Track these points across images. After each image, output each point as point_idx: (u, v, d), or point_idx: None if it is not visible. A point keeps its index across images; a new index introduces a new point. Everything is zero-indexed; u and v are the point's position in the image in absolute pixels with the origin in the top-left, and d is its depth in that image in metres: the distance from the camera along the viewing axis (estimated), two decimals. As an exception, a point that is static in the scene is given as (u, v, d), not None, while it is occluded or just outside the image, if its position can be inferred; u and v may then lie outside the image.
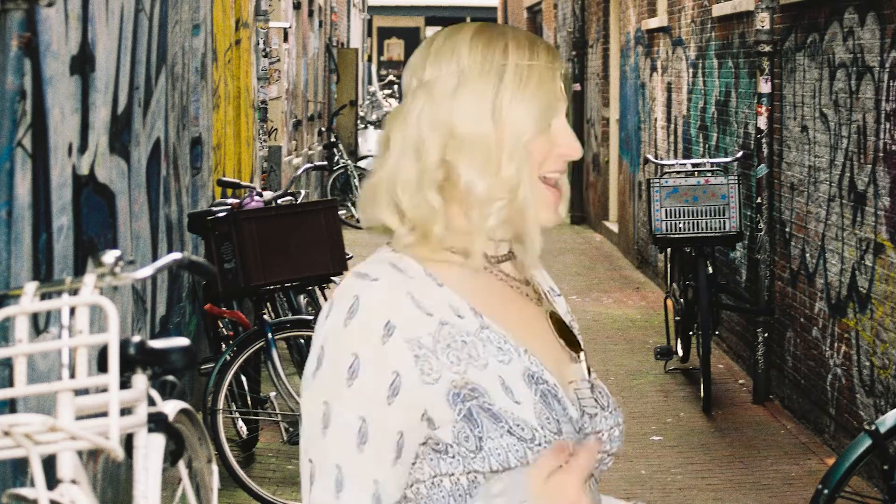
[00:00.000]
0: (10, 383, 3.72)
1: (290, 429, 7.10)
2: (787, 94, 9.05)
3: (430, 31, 50.84)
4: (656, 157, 13.31)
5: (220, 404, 6.84)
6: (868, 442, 5.19)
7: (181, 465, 4.59)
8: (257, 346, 6.99)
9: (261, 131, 12.58)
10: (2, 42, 4.72)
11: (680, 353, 9.95)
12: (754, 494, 7.17)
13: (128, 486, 5.28)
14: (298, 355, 7.82)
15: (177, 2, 8.04)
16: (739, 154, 9.87)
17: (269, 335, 6.92)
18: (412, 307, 1.95)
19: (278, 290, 7.57)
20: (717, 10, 11.00)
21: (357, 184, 20.10)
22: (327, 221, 7.20)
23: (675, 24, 13.06)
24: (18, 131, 4.77)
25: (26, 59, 4.84)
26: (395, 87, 32.01)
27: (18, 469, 4.63)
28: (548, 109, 2.00)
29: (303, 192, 9.64)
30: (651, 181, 9.45)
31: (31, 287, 3.70)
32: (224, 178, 9.35)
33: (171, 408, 4.46)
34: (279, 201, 8.05)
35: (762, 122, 9.15)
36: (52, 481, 3.74)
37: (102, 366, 3.63)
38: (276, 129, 15.10)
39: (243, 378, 7.30)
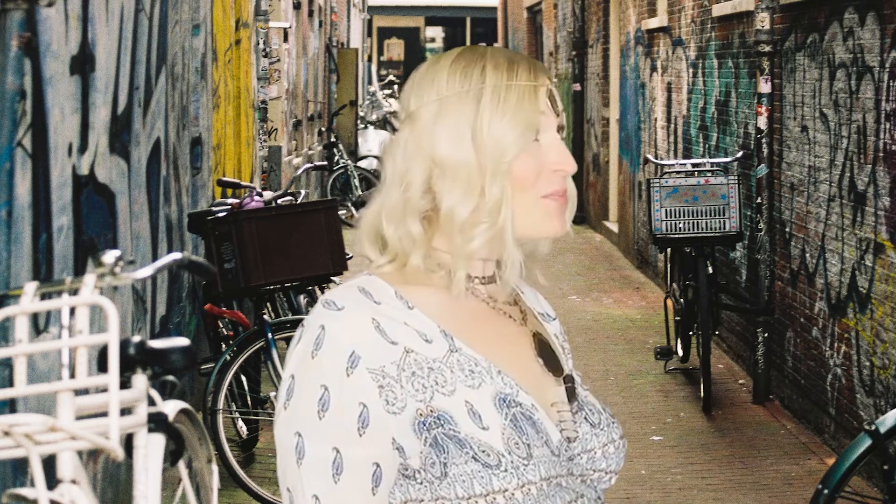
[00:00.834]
0: (10, 383, 3.72)
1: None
2: (787, 94, 9.05)
3: (430, 31, 50.89)
4: (656, 157, 13.31)
5: (220, 404, 6.84)
6: (868, 442, 5.19)
7: (181, 465, 4.59)
8: (257, 346, 7.00)
9: (261, 131, 12.59)
10: (2, 42, 4.72)
11: (680, 353, 9.95)
12: (754, 494, 7.17)
13: (128, 486, 5.28)
14: (298, 355, 7.80)
15: (177, 2, 8.04)
16: (739, 154, 9.87)
17: (269, 335, 6.92)
18: (376, 336, 1.94)
19: (278, 290, 7.57)
20: (717, 10, 11.00)
21: (357, 184, 20.10)
22: (327, 221, 7.19)
23: (675, 24, 13.06)
24: (18, 131, 4.77)
25: (26, 59, 4.84)
26: (395, 87, 32.00)
27: (18, 469, 4.63)
28: (529, 127, 1.99)
29: (303, 192, 9.62)
30: (651, 181, 9.45)
31: (31, 287, 3.70)
32: (224, 178, 9.35)
33: (171, 408, 4.46)
34: (279, 201, 8.04)
35: (762, 122, 9.15)
36: (52, 481, 3.74)
37: (102, 366, 3.63)
38: (276, 129, 15.10)
39: (243, 378, 7.30)
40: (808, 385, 8.40)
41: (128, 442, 4.11)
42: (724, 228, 9.27)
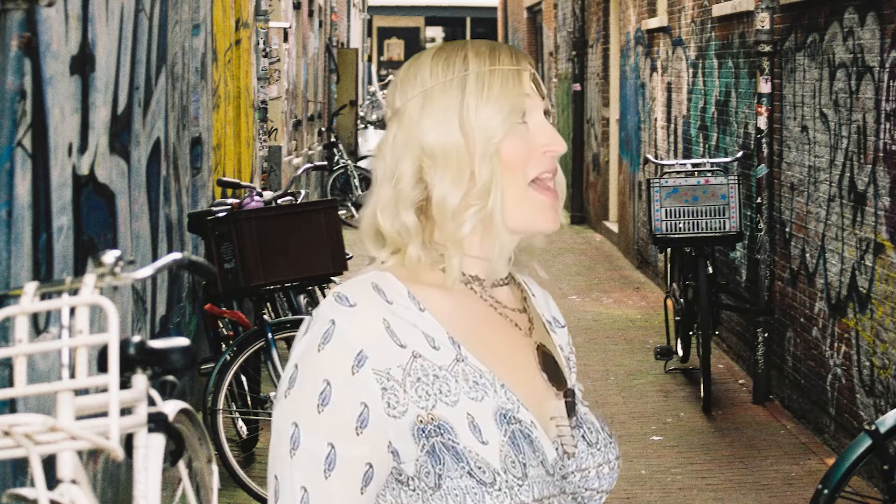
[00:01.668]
0: (10, 383, 3.72)
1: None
2: (787, 94, 9.05)
3: (430, 31, 50.86)
4: (656, 157, 13.31)
5: (220, 404, 6.84)
6: (868, 442, 5.19)
7: (181, 465, 4.59)
8: (257, 346, 6.99)
9: (261, 131, 12.59)
10: (2, 42, 4.72)
11: (680, 353, 9.95)
12: (754, 494, 7.17)
13: (128, 486, 5.28)
14: (298, 355, 7.81)
15: (177, 2, 8.04)
16: (739, 154, 9.87)
17: (269, 335, 6.92)
18: (385, 337, 1.94)
19: (278, 290, 7.57)
20: (717, 10, 11.00)
21: (357, 184, 20.10)
22: (327, 221, 7.19)
23: (675, 24, 13.06)
24: (18, 131, 4.77)
25: (26, 59, 4.84)
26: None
27: (18, 469, 4.63)
28: (515, 109, 2.00)
29: (303, 192, 9.63)
30: (651, 181, 9.45)
31: (31, 287, 3.70)
32: (224, 178, 9.35)
33: (171, 408, 4.46)
34: (279, 201, 8.04)
35: (762, 122, 9.15)
36: (52, 481, 3.74)
37: (102, 366, 3.63)
38: (276, 129, 15.10)
39: (243, 378, 7.30)
40: (808, 385, 8.40)
41: (128, 442, 4.11)
42: (724, 228, 9.27)
